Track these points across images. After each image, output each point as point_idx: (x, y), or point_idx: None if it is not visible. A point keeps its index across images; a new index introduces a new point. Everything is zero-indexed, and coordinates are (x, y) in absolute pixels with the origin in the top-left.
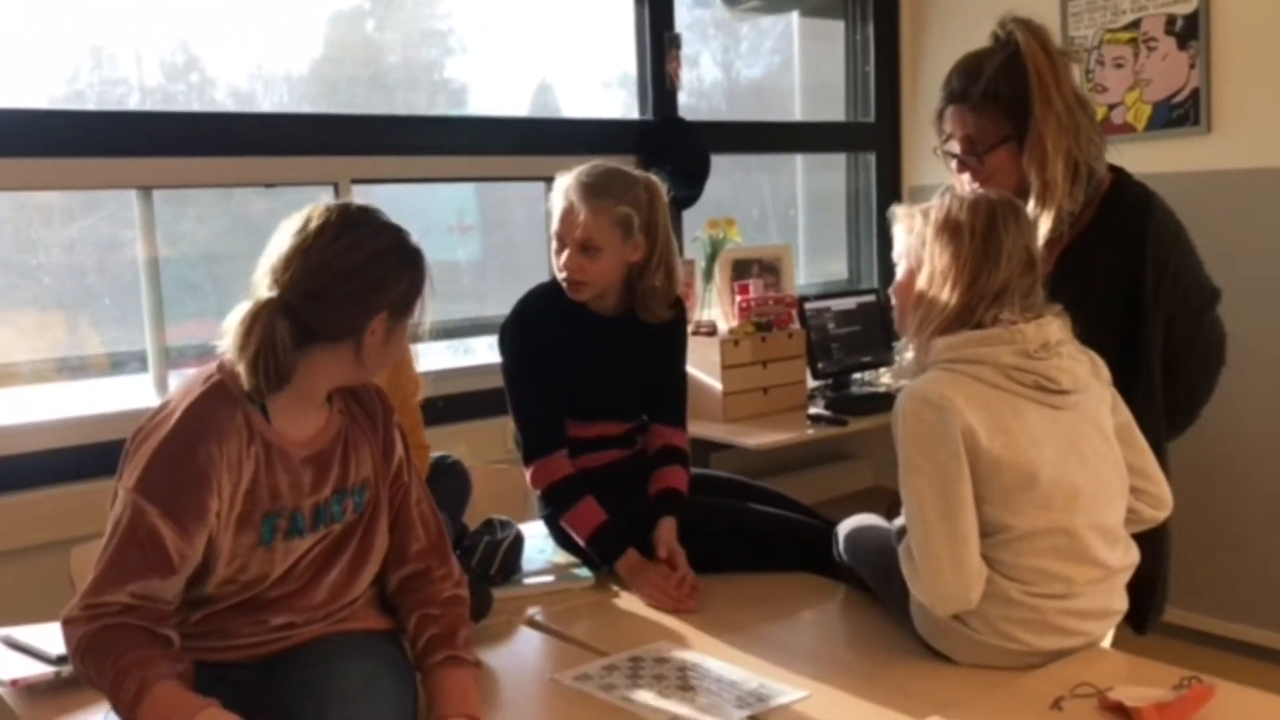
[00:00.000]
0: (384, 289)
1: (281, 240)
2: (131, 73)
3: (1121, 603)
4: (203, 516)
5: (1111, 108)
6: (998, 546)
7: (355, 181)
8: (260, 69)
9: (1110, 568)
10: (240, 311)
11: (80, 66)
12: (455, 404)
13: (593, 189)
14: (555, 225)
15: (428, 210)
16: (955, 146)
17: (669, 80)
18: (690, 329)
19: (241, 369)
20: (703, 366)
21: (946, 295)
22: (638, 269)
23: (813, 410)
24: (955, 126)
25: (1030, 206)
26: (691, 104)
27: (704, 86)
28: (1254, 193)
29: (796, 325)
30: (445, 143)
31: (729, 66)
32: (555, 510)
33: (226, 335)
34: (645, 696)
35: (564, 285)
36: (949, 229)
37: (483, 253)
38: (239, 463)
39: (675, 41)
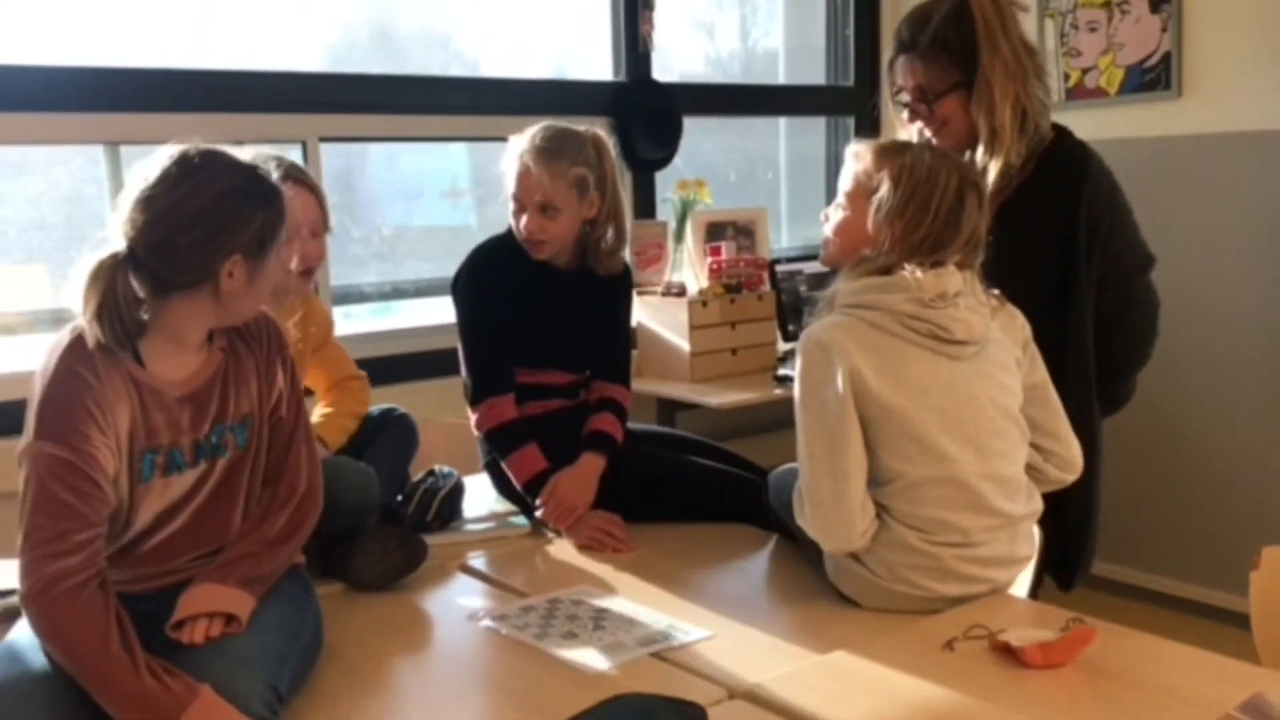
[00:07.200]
0: (231, 232)
1: (130, 188)
2: (143, 36)
3: (1027, 549)
4: (101, 444)
5: (1085, 72)
6: (893, 494)
7: (322, 140)
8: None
9: (1010, 516)
10: (86, 265)
11: (102, 28)
12: (431, 359)
13: (548, 152)
14: (512, 188)
15: (423, 176)
16: (906, 97)
17: (642, 42)
18: (660, 290)
19: (86, 324)
20: (671, 327)
21: (894, 256)
22: (589, 224)
23: (781, 371)
24: (906, 76)
25: (979, 154)
26: (706, 73)
27: (721, 56)
28: (1224, 157)
29: (767, 288)
30: (411, 102)
31: (746, 36)
32: (498, 452)
33: (74, 289)
34: (553, 635)
35: (525, 246)
36: (921, 194)
37: (477, 217)
38: (113, 401)
39: (648, 1)
